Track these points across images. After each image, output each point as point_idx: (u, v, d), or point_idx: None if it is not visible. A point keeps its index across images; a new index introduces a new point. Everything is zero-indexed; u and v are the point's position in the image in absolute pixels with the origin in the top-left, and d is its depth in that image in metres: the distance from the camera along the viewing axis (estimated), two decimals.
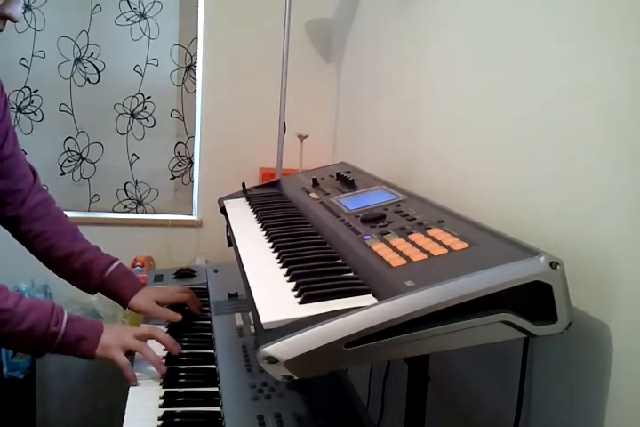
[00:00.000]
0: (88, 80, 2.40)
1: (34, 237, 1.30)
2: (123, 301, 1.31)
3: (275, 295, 0.76)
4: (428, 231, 0.82)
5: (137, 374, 1.09)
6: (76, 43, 2.37)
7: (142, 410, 0.99)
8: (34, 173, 1.35)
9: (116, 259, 1.35)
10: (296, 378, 0.62)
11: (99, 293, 1.34)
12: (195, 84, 2.47)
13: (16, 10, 0.99)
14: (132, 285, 1.32)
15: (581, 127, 0.82)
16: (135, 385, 1.06)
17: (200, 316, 1.37)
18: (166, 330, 1.30)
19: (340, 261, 0.85)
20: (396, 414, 1.15)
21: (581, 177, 0.81)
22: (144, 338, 1.13)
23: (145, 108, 2.46)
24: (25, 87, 2.37)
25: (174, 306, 1.37)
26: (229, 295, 1.43)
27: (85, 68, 2.39)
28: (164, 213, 2.55)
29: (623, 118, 0.74)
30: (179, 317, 1.29)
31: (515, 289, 0.64)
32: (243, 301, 1.40)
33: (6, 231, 1.32)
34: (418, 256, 0.74)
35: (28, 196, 1.30)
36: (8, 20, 1.00)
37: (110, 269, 1.31)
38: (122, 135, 2.47)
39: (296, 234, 0.99)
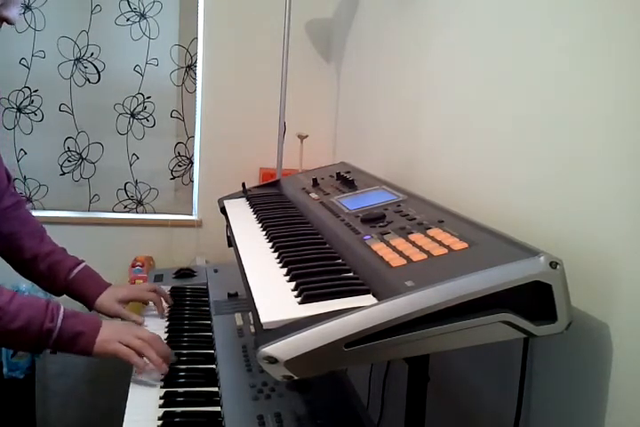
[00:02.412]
0: (88, 80, 2.40)
1: (1, 238, 1.30)
2: (88, 302, 1.31)
3: (275, 295, 0.76)
4: (428, 231, 0.82)
5: (136, 373, 1.08)
6: (76, 43, 2.36)
7: (142, 410, 0.99)
8: (8, 177, 1.35)
9: (82, 261, 1.35)
10: (296, 378, 0.62)
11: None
12: (195, 84, 2.47)
13: (13, 12, 0.99)
14: (97, 286, 1.32)
15: (581, 127, 0.82)
16: (143, 372, 1.05)
17: (200, 316, 1.38)
18: (166, 330, 1.30)
19: (339, 261, 0.85)
20: (395, 414, 1.15)
21: (581, 177, 0.81)
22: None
23: (145, 108, 2.45)
24: (25, 87, 2.37)
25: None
26: (229, 295, 1.43)
27: (85, 68, 2.39)
28: (164, 213, 2.55)
29: (623, 118, 0.74)
30: (140, 320, 1.29)
31: (515, 289, 0.64)
32: (243, 301, 1.40)
33: None
34: (418, 256, 0.74)
35: (1, 199, 1.30)
36: (4, 23, 1.00)
37: (75, 271, 1.31)
38: (122, 135, 2.46)
39: (296, 234, 0.99)
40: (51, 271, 1.30)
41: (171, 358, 1.12)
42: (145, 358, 1.07)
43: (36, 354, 2.09)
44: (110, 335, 1.07)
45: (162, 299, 1.38)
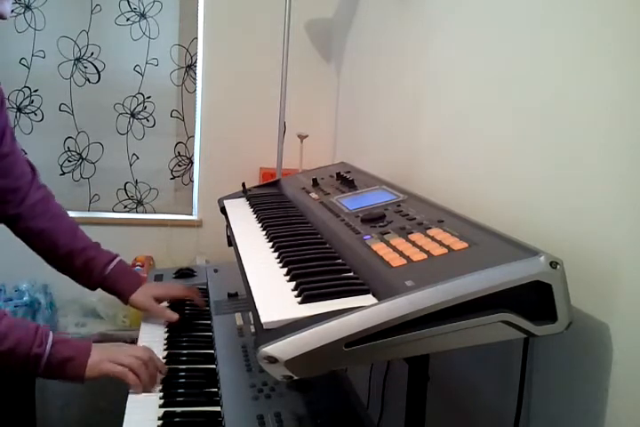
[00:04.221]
0: (88, 80, 2.40)
1: (34, 235, 1.30)
2: (123, 297, 1.33)
3: (275, 295, 0.76)
4: (428, 231, 0.82)
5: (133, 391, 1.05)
6: (76, 43, 2.37)
7: (142, 410, 0.99)
8: (33, 170, 1.34)
9: (116, 255, 1.36)
10: (296, 378, 0.62)
11: (99, 289, 1.35)
12: (195, 84, 2.47)
13: (5, 7, 0.98)
14: (133, 282, 1.34)
15: (582, 127, 0.82)
16: (140, 392, 1.02)
17: (200, 316, 1.38)
18: (166, 330, 1.30)
19: (339, 260, 0.85)
20: (395, 414, 1.15)
21: (581, 177, 0.81)
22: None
23: (145, 108, 2.46)
24: (25, 87, 2.37)
25: (179, 303, 1.39)
26: (229, 295, 1.43)
27: (85, 67, 2.39)
28: (163, 213, 2.55)
29: (624, 118, 0.74)
30: (175, 316, 1.31)
31: (515, 289, 0.64)
32: (243, 300, 1.40)
33: (6, 231, 1.32)
34: (418, 256, 0.74)
35: (27, 194, 1.30)
36: None
37: (110, 266, 1.32)
38: (122, 135, 2.47)
39: (296, 234, 0.99)
40: (86, 267, 1.30)
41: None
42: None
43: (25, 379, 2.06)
44: (100, 356, 1.04)
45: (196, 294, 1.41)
